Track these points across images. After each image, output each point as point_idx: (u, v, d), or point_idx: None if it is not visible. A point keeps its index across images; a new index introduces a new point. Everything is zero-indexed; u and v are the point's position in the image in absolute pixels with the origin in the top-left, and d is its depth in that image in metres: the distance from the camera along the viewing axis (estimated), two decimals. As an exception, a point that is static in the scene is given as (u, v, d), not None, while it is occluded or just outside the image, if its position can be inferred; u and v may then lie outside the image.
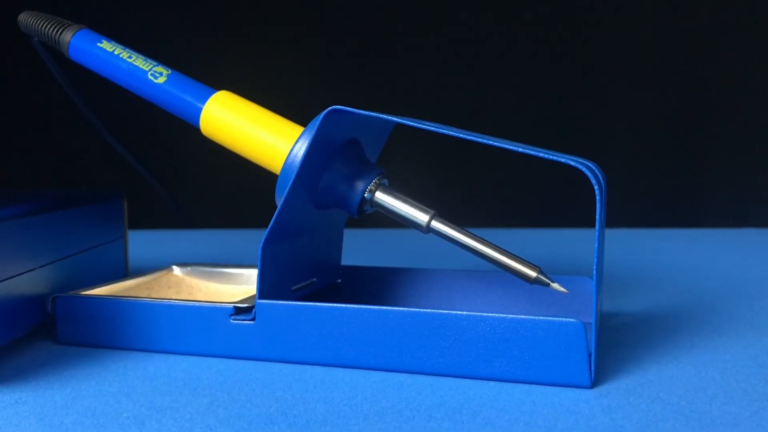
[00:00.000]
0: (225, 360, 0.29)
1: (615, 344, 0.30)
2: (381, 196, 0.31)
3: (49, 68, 0.40)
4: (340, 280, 0.37)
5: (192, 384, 0.26)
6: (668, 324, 0.34)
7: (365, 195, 0.31)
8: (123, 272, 0.42)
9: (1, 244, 0.28)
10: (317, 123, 0.28)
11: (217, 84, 0.35)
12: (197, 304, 0.29)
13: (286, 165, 0.30)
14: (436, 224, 0.30)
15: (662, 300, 0.40)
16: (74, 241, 0.35)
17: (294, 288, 0.32)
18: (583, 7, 0.90)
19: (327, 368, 0.28)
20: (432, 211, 0.30)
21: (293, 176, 0.29)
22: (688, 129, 0.90)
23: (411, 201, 0.30)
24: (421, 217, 0.30)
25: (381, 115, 0.28)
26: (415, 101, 0.90)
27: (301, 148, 0.29)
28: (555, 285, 0.28)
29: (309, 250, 0.33)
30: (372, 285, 0.37)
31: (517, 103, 0.91)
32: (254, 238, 0.68)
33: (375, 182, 0.31)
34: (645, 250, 0.58)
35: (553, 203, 0.91)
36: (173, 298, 0.36)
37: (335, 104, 0.28)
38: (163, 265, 0.39)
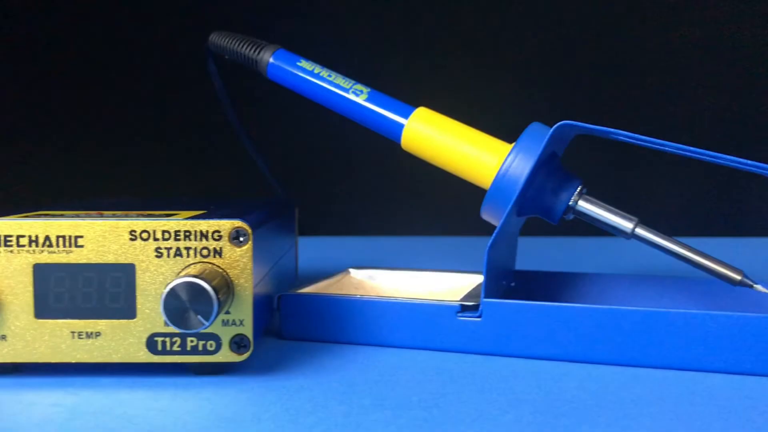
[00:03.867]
0: (452, 354, 0.31)
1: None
2: (584, 205, 0.33)
3: (215, 85, 0.44)
4: (513, 284, 0.40)
5: (448, 375, 0.29)
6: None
7: (569, 204, 0.33)
8: (294, 276, 0.44)
9: (265, 244, 0.30)
10: (546, 138, 0.31)
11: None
12: (425, 302, 0.32)
13: (500, 178, 0.32)
14: (641, 231, 0.32)
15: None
16: (279, 247, 0.38)
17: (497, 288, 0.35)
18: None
19: (551, 362, 0.30)
20: (635, 219, 0.33)
21: (520, 188, 0.31)
22: None
23: (613, 209, 0.33)
24: (625, 224, 0.33)
25: (608, 129, 0.31)
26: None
27: (519, 163, 0.32)
28: (759, 287, 0.31)
29: (505, 254, 0.36)
30: (543, 288, 0.39)
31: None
32: (368, 246, 0.71)
33: (578, 192, 0.33)
34: None
35: (714, 213, 0.91)
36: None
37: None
38: (336, 270, 0.42)
